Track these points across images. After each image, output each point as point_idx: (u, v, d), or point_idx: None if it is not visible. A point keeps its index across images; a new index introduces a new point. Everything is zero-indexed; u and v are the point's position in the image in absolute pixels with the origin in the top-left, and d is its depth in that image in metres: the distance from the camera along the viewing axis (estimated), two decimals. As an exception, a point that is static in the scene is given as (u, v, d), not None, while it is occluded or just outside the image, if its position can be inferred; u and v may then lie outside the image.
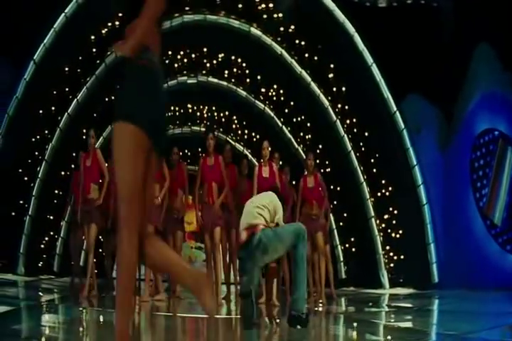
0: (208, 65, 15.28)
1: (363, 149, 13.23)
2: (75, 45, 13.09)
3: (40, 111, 12.63)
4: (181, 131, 17.64)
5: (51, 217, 13.51)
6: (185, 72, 15.61)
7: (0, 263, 12.20)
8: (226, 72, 15.37)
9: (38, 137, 12.56)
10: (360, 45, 12.61)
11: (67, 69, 13.10)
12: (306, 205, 9.76)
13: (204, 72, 15.53)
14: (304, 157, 14.38)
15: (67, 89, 13.45)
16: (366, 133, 13.05)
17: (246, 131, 16.84)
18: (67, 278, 12.08)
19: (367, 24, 12.68)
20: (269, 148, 9.25)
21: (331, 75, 13.43)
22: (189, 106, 16.97)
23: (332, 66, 13.26)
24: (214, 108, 16.90)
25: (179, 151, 10.14)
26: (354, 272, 13.43)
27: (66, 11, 12.72)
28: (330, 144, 13.71)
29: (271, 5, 13.41)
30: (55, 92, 13.02)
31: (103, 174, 9.03)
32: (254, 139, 16.62)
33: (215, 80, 15.64)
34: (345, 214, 13.56)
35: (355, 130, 13.33)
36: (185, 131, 17.65)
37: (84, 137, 13.49)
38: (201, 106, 16.96)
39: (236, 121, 16.88)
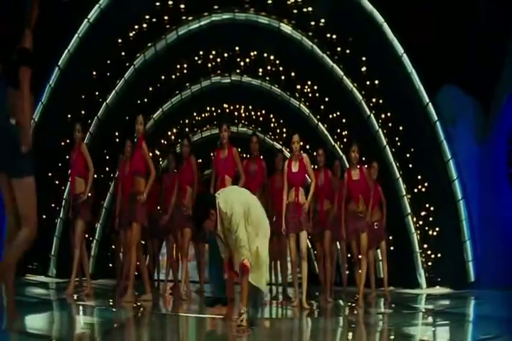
0: (241, 63, 15.07)
1: (398, 144, 12.77)
2: (100, 50, 13.00)
3: (69, 116, 12.60)
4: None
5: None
6: (218, 71, 15.46)
7: (32, 265, 12.27)
8: (260, 70, 15.15)
9: (67, 141, 12.59)
10: (390, 35, 12.14)
11: (94, 73, 13.02)
12: (352, 201, 9.14)
13: (238, 71, 15.33)
14: (341, 153, 14.12)
15: (96, 93, 13.45)
16: (401, 127, 12.57)
17: (284, 130, 16.55)
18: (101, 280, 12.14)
19: (396, 13, 12.20)
20: (300, 142, 8.80)
21: (363, 69, 12.99)
22: (225, 106, 16.81)
23: (364, 59, 12.81)
24: (250, 107, 16.68)
25: (190, 143, 9.73)
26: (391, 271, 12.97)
27: (89, 16, 12.65)
28: (364, 140, 13.28)
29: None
30: (83, 97, 12.98)
31: (88, 167, 8.83)
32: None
33: (249, 79, 15.43)
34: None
35: (390, 124, 12.88)
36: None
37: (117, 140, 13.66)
38: (237, 106, 16.75)
39: (273, 120, 16.62)
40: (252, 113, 16.82)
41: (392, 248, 12.75)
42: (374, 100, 13.09)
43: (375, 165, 10.38)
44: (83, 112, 13.12)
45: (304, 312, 7.91)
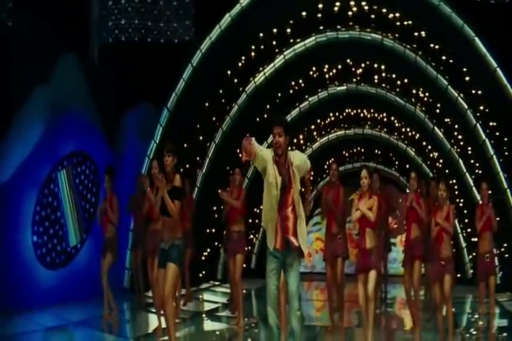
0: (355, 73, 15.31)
1: (505, 153, 12.51)
2: (213, 80, 13.82)
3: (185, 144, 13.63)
4: (345, 133, 18.00)
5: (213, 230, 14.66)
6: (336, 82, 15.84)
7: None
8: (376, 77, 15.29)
9: (187, 166, 13.65)
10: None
11: (207, 104, 13.92)
12: None
13: (354, 80, 15.58)
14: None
15: (213, 119, 14.38)
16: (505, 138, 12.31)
17: (407, 129, 16.62)
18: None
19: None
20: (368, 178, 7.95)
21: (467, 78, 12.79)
22: (348, 110, 17.17)
23: (465, 70, 12.60)
24: (372, 110, 16.89)
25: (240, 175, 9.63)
26: (509, 278, 12.86)
27: (201, 47, 13.44)
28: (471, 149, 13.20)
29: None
30: (198, 126, 13.95)
31: None
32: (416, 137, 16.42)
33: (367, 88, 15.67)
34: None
35: (497, 133, 12.62)
36: (348, 134, 17.94)
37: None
38: (359, 110, 17.03)
39: (396, 122, 16.72)
40: (375, 115, 17.00)
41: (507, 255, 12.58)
42: (482, 108, 12.87)
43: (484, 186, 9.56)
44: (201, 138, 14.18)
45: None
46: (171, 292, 7.07)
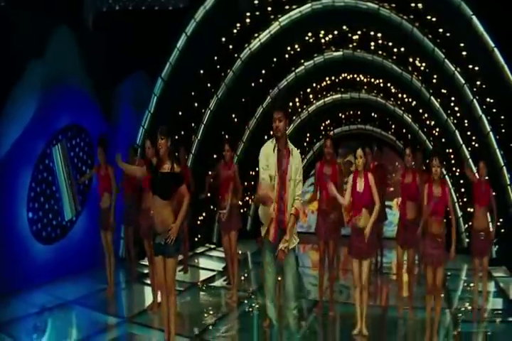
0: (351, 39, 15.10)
1: (502, 130, 12.51)
2: (207, 47, 13.63)
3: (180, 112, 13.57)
4: (341, 97, 17.91)
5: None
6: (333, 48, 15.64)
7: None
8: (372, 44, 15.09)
9: (182, 132, 13.61)
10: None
11: (201, 71, 13.77)
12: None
13: (350, 46, 15.38)
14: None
15: (208, 85, 14.26)
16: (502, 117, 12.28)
17: (404, 96, 16.52)
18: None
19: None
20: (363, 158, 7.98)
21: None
22: (344, 75, 17.01)
23: (462, 45, 12.43)
24: (368, 76, 16.73)
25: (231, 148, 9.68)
26: (505, 252, 13.04)
27: (195, 16, 13.24)
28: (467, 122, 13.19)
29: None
30: (193, 93, 13.85)
31: None
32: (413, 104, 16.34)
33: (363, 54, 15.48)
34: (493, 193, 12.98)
35: (494, 110, 12.59)
36: (345, 97, 17.89)
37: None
38: (355, 75, 16.87)
39: (392, 88, 16.61)
40: (372, 80, 16.86)
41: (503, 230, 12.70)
42: (478, 83, 12.77)
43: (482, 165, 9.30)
44: (196, 105, 14.12)
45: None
46: (173, 283, 7.21)
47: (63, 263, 11.12)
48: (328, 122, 19.34)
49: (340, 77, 17.08)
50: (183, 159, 12.18)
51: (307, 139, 19.14)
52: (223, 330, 8.37)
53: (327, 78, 17.00)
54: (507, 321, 9.27)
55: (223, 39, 13.76)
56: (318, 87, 17.32)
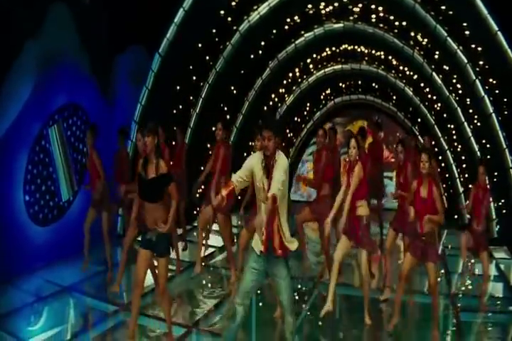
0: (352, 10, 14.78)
1: (505, 113, 12.37)
2: (205, 21, 13.35)
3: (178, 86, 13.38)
4: (342, 67, 17.69)
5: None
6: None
7: None
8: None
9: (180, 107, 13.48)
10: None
11: (200, 44, 13.51)
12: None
13: (351, 18, 15.08)
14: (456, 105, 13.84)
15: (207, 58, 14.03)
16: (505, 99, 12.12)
17: (406, 69, 16.29)
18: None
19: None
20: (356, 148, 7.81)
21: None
22: (344, 46, 16.75)
23: (465, 24, 12.17)
24: (369, 48, 16.47)
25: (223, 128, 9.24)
26: (507, 233, 13.07)
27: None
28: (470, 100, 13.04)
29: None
30: (191, 67, 13.63)
31: None
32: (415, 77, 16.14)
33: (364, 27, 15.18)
34: (495, 173, 12.92)
35: (496, 91, 12.43)
36: (346, 68, 17.64)
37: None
38: (356, 47, 16.61)
39: (394, 61, 16.37)
40: (373, 52, 16.60)
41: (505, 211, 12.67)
42: (481, 63, 12.56)
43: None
44: (194, 78, 13.92)
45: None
46: (166, 281, 7.20)
47: (61, 244, 11.10)
48: (328, 92, 19.13)
49: (341, 48, 16.80)
50: (181, 140, 12.04)
51: (307, 108, 18.99)
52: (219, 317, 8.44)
53: (327, 49, 16.71)
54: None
55: (222, 12, 13.45)
56: (319, 57, 17.05)
